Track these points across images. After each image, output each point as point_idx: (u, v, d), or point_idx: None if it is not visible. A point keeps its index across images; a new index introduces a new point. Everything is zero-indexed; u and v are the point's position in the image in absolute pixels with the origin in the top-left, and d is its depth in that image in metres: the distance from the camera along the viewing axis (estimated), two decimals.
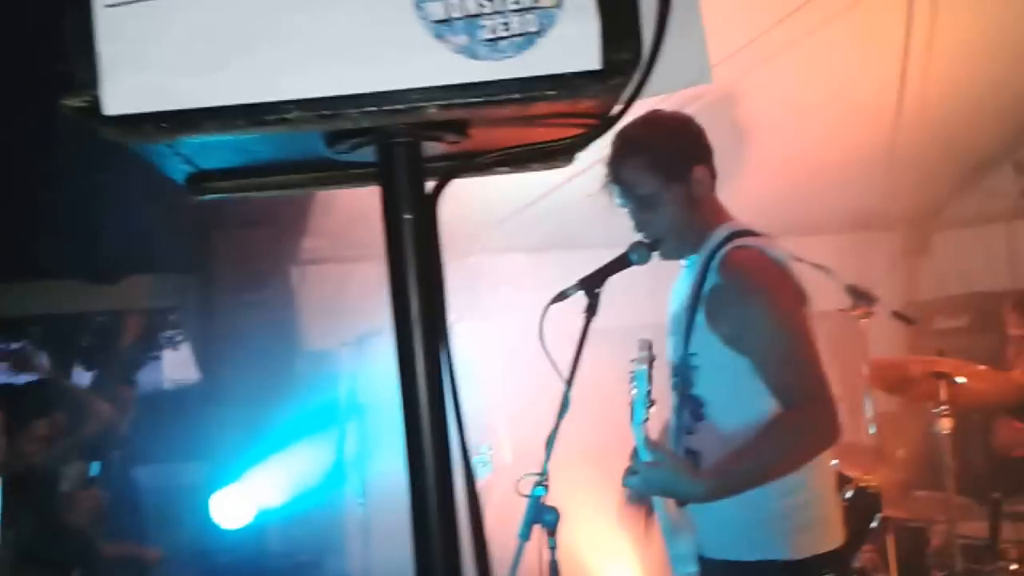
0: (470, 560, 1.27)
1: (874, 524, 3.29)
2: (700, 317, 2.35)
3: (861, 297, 3.30)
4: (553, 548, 2.37)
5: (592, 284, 2.44)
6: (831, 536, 2.37)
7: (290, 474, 4.10)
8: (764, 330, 2.28)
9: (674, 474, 2.24)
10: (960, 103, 4.77)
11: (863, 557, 3.39)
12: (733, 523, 2.30)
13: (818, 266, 3.23)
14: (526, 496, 2.40)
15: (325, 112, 1.05)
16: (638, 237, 2.48)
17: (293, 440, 4.15)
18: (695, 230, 2.45)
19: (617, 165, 2.45)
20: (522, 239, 5.10)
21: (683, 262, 2.54)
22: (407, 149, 1.21)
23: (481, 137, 1.30)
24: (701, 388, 2.37)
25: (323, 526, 4.30)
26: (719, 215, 2.48)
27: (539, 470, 2.42)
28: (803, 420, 2.23)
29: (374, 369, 4.40)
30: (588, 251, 2.49)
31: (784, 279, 2.34)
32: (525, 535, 2.37)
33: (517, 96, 1.08)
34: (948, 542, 3.44)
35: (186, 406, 4.15)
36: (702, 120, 2.53)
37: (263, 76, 1.06)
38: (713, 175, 2.46)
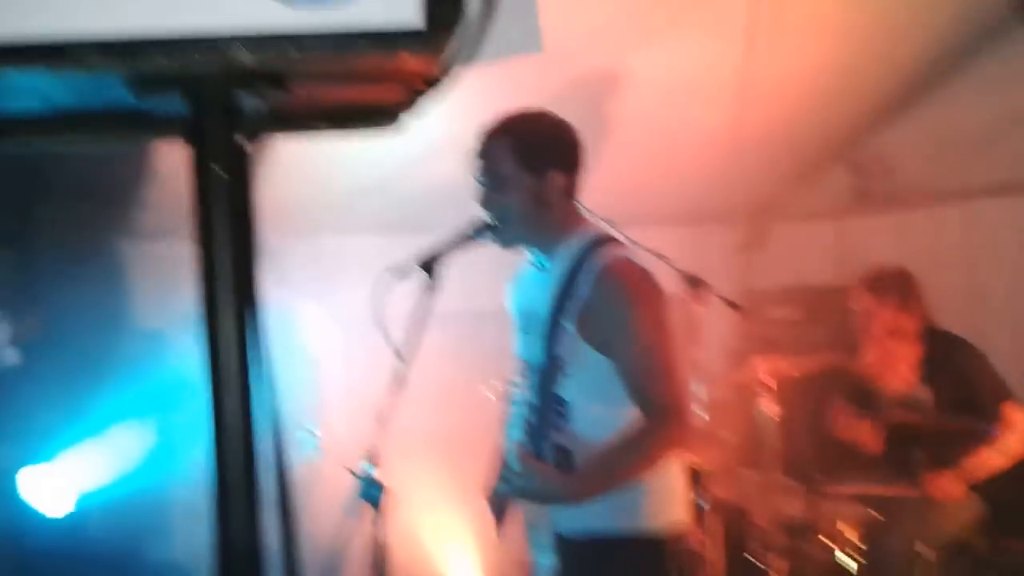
0: (279, 538, 1.24)
1: (703, 504, 3.39)
2: (569, 324, 2.42)
3: (694, 284, 3.39)
4: (381, 525, 2.34)
5: (431, 261, 2.43)
6: (681, 508, 2.53)
7: (114, 457, 3.93)
8: (632, 343, 2.39)
9: (542, 483, 2.36)
10: (800, 101, 4.94)
11: (687, 534, 3.48)
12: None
13: (655, 253, 3.29)
14: (354, 473, 2.36)
15: (125, 52, 0.99)
16: (482, 215, 2.51)
17: (118, 422, 3.98)
18: (546, 230, 2.52)
19: (486, 139, 2.53)
20: (372, 221, 5.03)
21: (531, 259, 2.60)
22: (220, 100, 1.15)
23: (305, 96, 1.25)
24: (567, 390, 2.45)
25: (148, 511, 4.15)
26: (577, 220, 2.55)
27: (369, 448, 2.38)
28: (661, 430, 2.37)
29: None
30: (438, 236, 2.47)
31: (654, 290, 2.46)
32: (353, 512, 2.33)
33: (333, 48, 1.04)
34: (771, 521, 3.56)
35: (3, 388, 3.91)
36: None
37: (59, 11, 0.99)
38: (572, 187, 2.53)
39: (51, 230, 3.93)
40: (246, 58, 1.03)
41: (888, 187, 5.48)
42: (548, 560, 2.52)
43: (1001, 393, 3.80)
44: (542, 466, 2.41)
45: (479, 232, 2.48)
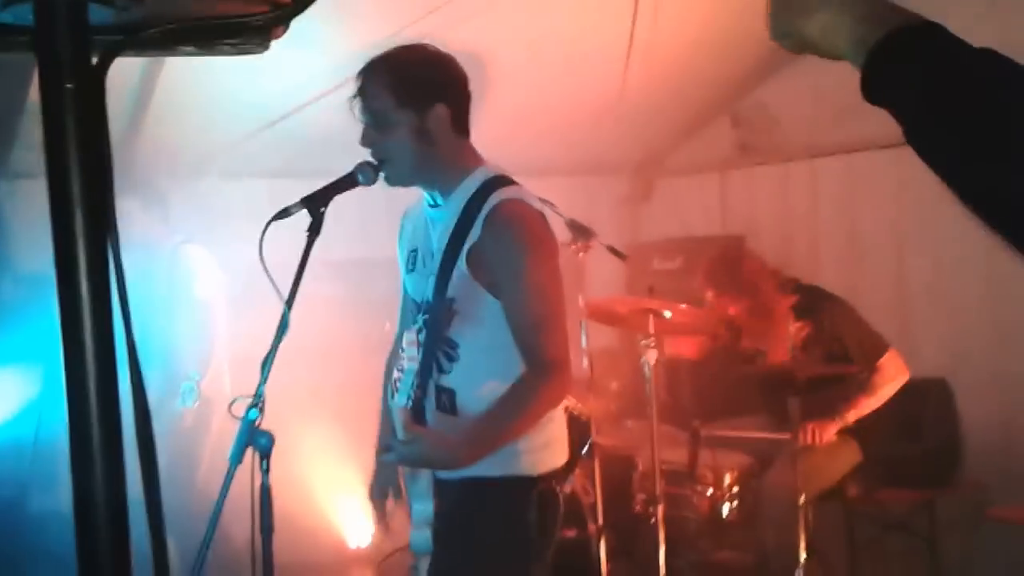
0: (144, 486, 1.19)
1: (584, 450, 3.43)
2: (462, 264, 2.38)
3: (581, 232, 3.40)
4: (266, 472, 2.28)
5: (316, 203, 2.34)
6: (561, 453, 2.52)
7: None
8: (520, 288, 2.36)
9: (429, 449, 2.32)
10: (684, 55, 4.98)
11: (574, 482, 3.53)
12: None
13: (543, 200, 3.28)
14: (239, 419, 2.29)
15: None
16: (366, 156, 2.43)
17: None
18: (437, 167, 2.45)
19: (363, 78, 2.43)
20: (259, 164, 4.90)
21: (424, 199, 2.53)
22: (69, 10, 1.08)
23: (160, 9, 1.18)
24: (457, 331, 2.42)
25: (28, 460, 4.00)
26: (470, 158, 2.48)
27: (254, 393, 2.32)
28: (543, 383, 2.35)
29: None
30: (327, 180, 2.39)
31: (546, 236, 2.42)
32: (236, 458, 2.26)
33: None
34: (651, 468, 3.61)
35: None
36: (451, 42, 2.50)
37: None
38: (460, 120, 2.46)
39: None
40: None
41: (770, 140, 5.58)
42: (426, 507, 2.49)
43: (872, 340, 3.93)
44: (428, 432, 2.37)
45: (366, 176, 2.41)
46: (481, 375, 2.41)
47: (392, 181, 2.46)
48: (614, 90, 5.10)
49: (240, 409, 2.28)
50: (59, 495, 4.16)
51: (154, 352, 4.47)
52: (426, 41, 2.50)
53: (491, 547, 2.44)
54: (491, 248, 2.36)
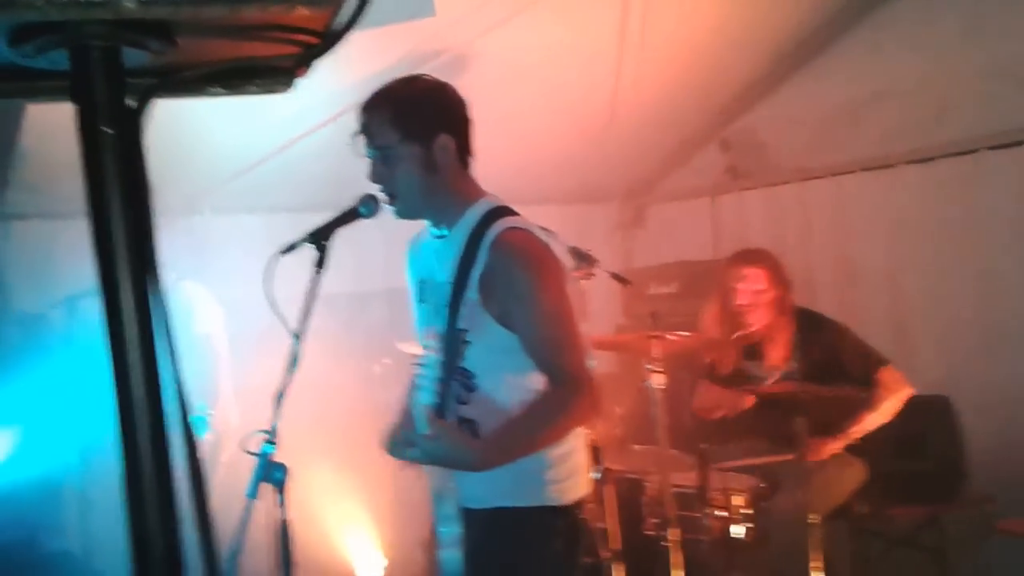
0: (193, 523, 1.19)
1: (596, 476, 3.44)
2: (472, 295, 2.38)
3: (583, 259, 3.42)
4: (282, 506, 2.29)
5: (321, 236, 2.38)
6: (585, 483, 2.54)
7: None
8: (533, 313, 2.35)
9: (452, 447, 2.29)
10: (673, 81, 5.04)
11: (586, 507, 3.53)
12: (500, 473, 2.34)
13: (544, 229, 3.30)
14: (254, 454, 2.30)
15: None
16: (373, 190, 2.45)
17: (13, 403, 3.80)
18: (443, 197, 2.46)
19: (365, 113, 2.45)
20: (252, 200, 4.93)
21: (429, 230, 2.55)
22: (105, 55, 1.10)
23: (192, 52, 1.21)
24: (472, 361, 2.42)
25: (36, 502, 3.97)
26: (473, 190, 2.50)
27: (268, 428, 2.33)
28: (567, 397, 2.34)
29: (88, 331, 4.13)
30: (322, 214, 2.42)
31: (551, 261, 2.42)
32: (253, 493, 2.28)
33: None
34: (661, 491, 3.62)
35: None
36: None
37: None
38: (464, 149, 2.47)
39: None
40: (132, 7, 0.99)
41: (759, 164, 5.63)
42: (453, 530, 2.49)
43: (871, 359, 3.95)
44: (451, 429, 2.36)
45: (369, 209, 2.43)
46: (500, 404, 2.40)
47: (402, 215, 2.47)
48: (603, 118, 5.15)
49: (253, 443, 2.30)
50: (69, 536, 4.15)
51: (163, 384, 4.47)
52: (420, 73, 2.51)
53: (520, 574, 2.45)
54: (498, 276, 2.36)
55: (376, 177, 2.44)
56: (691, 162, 6.07)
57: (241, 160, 4.66)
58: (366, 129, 2.44)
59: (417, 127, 2.40)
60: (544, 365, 2.37)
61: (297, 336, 2.32)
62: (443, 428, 2.32)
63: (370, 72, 4.13)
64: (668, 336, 3.67)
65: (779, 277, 4.12)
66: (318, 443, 4.66)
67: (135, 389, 1.11)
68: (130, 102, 1.15)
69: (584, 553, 2.55)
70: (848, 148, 5.10)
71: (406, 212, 2.47)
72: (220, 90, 1.29)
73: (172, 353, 1.15)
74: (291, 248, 2.34)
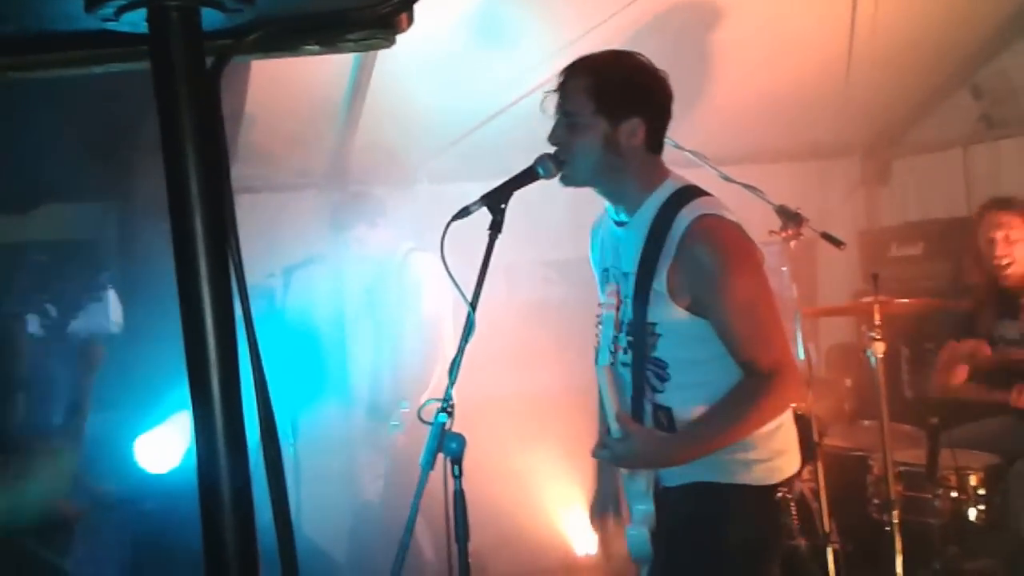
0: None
1: (816, 453, 3.24)
2: (659, 287, 2.30)
3: (791, 219, 3.18)
4: (458, 477, 2.25)
5: (497, 199, 2.32)
6: (793, 462, 2.44)
7: None
8: (727, 304, 2.27)
9: (642, 447, 2.30)
10: (914, 23, 4.64)
11: (802, 488, 3.34)
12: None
13: (749, 187, 3.12)
14: (428, 423, 2.28)
15: None
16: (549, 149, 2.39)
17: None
18: (619, 181, 2.38)
19: (565, 76, 2.39)
20: (470, 167, 4.95)
21: (610, 215, 2.47)
22: (181, 15, 1.07)
23: (274, 9, 1.16)
24: (664, 352, 2.35)
25: (252, 467, 4.18)
26: (658, 174, 2.40)
27: (444, 396, 2.30)
28: (761, 390, 2.27)
29: (302, 301, 4.28)
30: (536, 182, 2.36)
31: (746, 246, 2.32)
32: (428, 463, 2.25)
33: None
34: (888, 470, 3.34)
35: (110, 349, 3.96)
36: (646, 49, 2.42)
37: None
38: (654, 136, 2.38)
39: (147, 182, 3.94)
40: None
41: (1016, 111, 5.12)
42: (645, 508, 2.42)
43: None
44: (641, 429, 2.33)
45: (546, 169, 2.34)
46: (694, 391, 2.33)
47: (568, 181, 2.40)
48: (840, 67, 4.81)
49: (429, 413, 2.27)
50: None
51: (377, 366, 4.60)
52: (634, 50, 2.41)
53: (720, 552, 2.37)
54: (691, 269, 2.27)
55: (555, 138, 2.38)
56: (939, 111, 5.57)
57: (458, 127, 4.69)
58: (561, 90, 2.38)
59: (612, 103, 2.33)
60: (739, 357, 2.28)
61: (473, 305, 2.27)
62: (632, 430, 2.31)
63: (586, 26, 4.05)
64: (894, 301, 3.37)
65: None
66: (531, 417, 4.67)
67: (209, 357, 1.08)
68: (210, 63, 1.12)
69: (784, 535, 2.40)
70: None
71: (573, 180, 2.40)
72: (316, 48, 1.25)
73: (248, 317, 1.12)
74: (465, 212, 2.30)
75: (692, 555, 2.39)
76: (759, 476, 2.35)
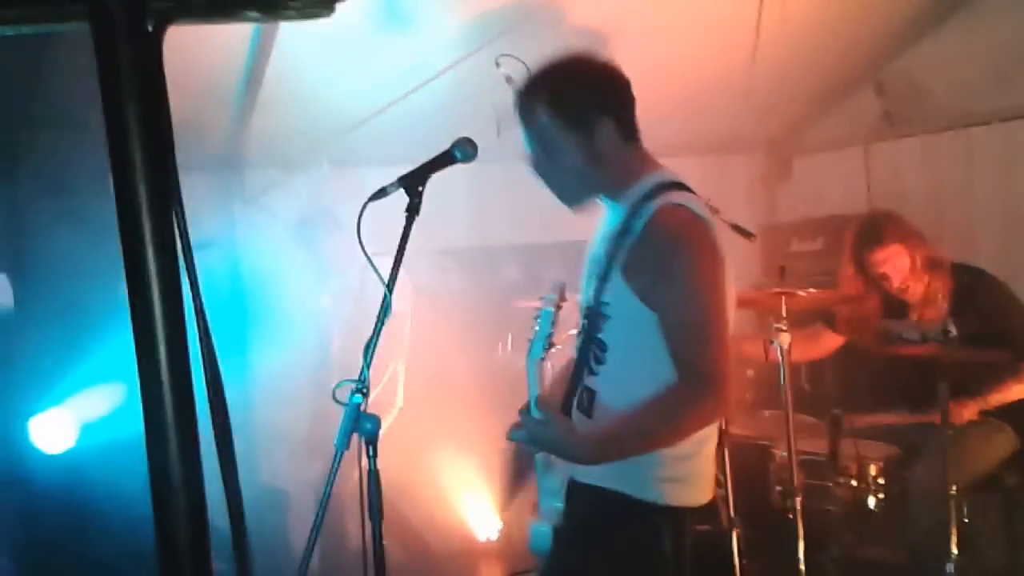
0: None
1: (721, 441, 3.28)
2: (617, 267, 2.28)
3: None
4: (372, 457, 2.23)
5: (414, 182, 2.28)
6: (703, 491, 2.37)
7: (117, 395, 3.84)
8: (675, 296, 2.21)
9: (559, 436, 2.23)
10: (820, 20, 4.72)
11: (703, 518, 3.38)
12: None
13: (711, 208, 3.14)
14: (343, 404, 2.24)
15: None
16: (537, 177, 2.39)
17: (121, 358, 3.89)
18: (607, 181, 2.37)
19: (522, 101, 2.36)
20: (370, 152, 4.89)
21: (604, 204, 2.45)
22: None
23: None
24: (607, 334, 2.32)
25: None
26: (641, 164, 2.38)
27: (359, 377, 2.26)
28: (694, 397, 2.19)
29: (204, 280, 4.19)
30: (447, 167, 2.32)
31: (708, 243, 2.25)
32: (342, 444, 2.22)
33: None
34: (788, 458, 3.42)
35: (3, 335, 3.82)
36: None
37: None
38: (626, 128, 2.36)
39: (37, 160, 3.79)
40: None
41: (917, 109, 5.25)
42: (554, 505, 2.42)
43: None
44: (561, 418, 2.28)
45: (463, 150, 2.30)
46: (625, 380, 2.29)
47: (571, 204, 2.42)
48: (745, 61, 4.86)
49: (344, 394, 2.23)
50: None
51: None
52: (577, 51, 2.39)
53: (611, 563, 2.33)
54: (645, 252, 2.23)
55: (539, 169, 2.38)
56: (842, 108, 5.70)
57: (359, 111, 4.62)
58: (525, 117, 2.36)
59: (577, 112, 2.31)
60: (677, 355, 2.20)
61: (389, 287, 2.24)
62: (552, 415, 2.24)
63: (488, 7, 4.01)
64: (799, 292, 3.44)
65: (914, 241, 3.82)
66: (438, 404, 4.65)
67: (155, 317, 1.06)
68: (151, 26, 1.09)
69: (683, 567, 2.35)
70: (1018, 90, 4.68)
71: (574, 202, 2.42)
72: (255, 15, 1.21)
73: (194, 282, 1.10)
74: (382, 193, 2.26)
75: (578, 558, 2.38)
76: (663, 495, 2.30)
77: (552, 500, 2.41)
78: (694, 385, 2.17)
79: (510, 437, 2.42)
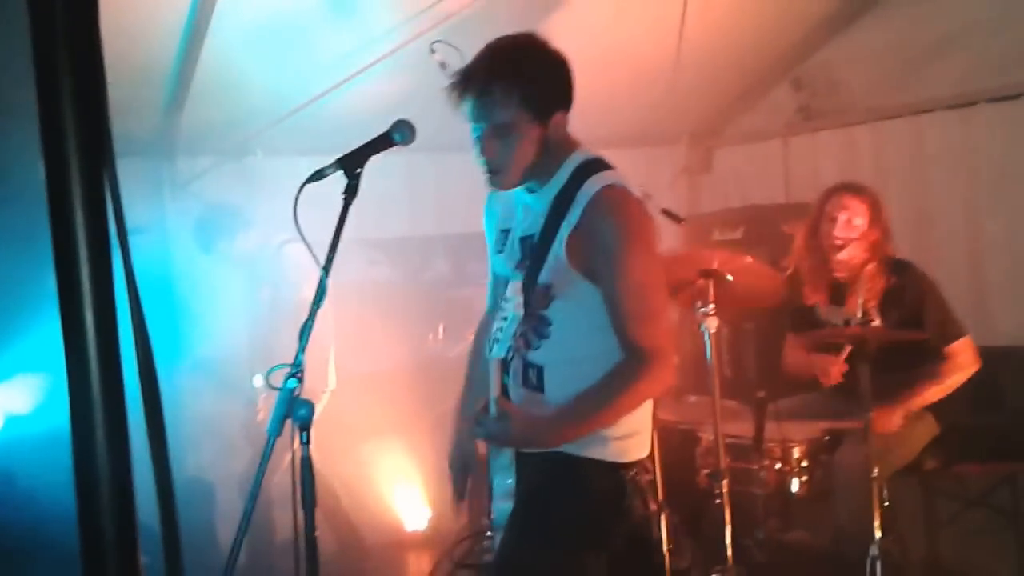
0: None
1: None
2: (559, 251, 2.32)
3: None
4: (306, 444, 2.19)
5: (352, 164, 2.25)
6: (646, 444, 2.46)
7: (44, 387, 3.72)
8: (620, 276, 2.28)
9: (518, 429, 2.31)
10: (741, 17, 4.81)
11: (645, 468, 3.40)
12: None
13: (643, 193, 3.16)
14: (276, 389, 2.20)
15: None
16: (480, 162, 2.37)
17: (48, 349, 3.76)
18: (543, 163, 2.38)
19: (485, 78, 2.32)
20: (304, 142, 4.83)
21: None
22: None
23: None
24: (554, 312, 2.37)
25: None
26: (567, 144, 2.40)
27: (293, 361, 2.22)
28: (637, 372, 2.29)
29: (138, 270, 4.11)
30: (376, 157, 2.29)
31: (646, 222, 2.35)
32: (275, 430, 2.18)
33: None
34: (715, 442, 3.45)
35: None
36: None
37: None
38: (566, 119, 2.38)
39: None
40: None
41: (833, 104, 5.38)
42: (507, 481, 2.44)
43: (949, 328, 3.68)
44: (517, 411, 2.33)
45: (401, 132, 2.30)
46: (572, 354, 2.35)
47: (506, 187, 2.41)
48: (668, 57, 4.93)
49: (278, 379, 2.20)
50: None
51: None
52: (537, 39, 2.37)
53: (565, 524, 2.38)
54: (591, 234, 2.28)
55: (489, 151, 2.34)
56: (761, 102, 5.82)
57: (294, 100, 4.56)
58: (486, 98, 2.31)
59: (545, 106, 2.32)
60: (621, 331, 2.29)
61: (326, 270, 2.21)
62: (509, 412, 2.31)
63: (423, 6, 4.00)
64: (726, 276, 3.48)
65: (880, 217, 3.78)
66: (371, 393, 4.62)
67: (83, 290, 1.01)
68: None
69: (634, 514, 2.43)
70: (928, 86, 4.82)
71: (510, 184, 2.40)
72: None
73: (126, 254, 1.05)
74: (320, 175, 2.22)
75: (535, 523, 2.40)
76: (612, 452, 2.37)
77: (504, 477, 2.44)
78: (640, 361, 2.27)
79: (474, 435, 2.50)
